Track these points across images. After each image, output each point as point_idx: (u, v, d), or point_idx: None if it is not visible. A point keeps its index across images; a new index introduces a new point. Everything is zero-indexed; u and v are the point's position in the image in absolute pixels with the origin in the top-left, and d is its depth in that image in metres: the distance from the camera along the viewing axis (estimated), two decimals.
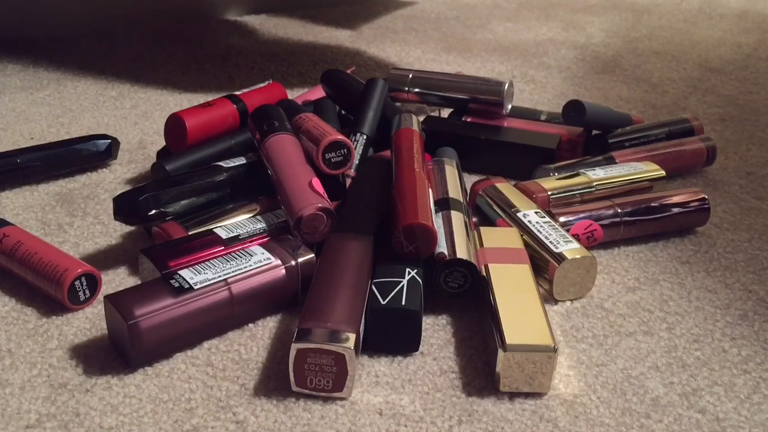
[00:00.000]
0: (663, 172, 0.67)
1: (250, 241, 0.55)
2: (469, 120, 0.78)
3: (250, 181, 0.61)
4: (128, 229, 0.62)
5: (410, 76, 0.80)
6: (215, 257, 0.52)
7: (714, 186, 0.73)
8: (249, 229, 0.56)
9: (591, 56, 1.12)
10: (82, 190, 0.68)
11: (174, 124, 0.68)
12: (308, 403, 0.44)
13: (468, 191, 0.65)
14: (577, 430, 0.43)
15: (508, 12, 1.35)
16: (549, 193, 0.63)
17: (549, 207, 0.62)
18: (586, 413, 0.45)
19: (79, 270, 0.51)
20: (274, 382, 0.46)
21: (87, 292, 0.52)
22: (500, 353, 0.45)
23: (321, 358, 0.43)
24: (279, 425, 0.43)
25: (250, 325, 0.51)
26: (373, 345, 0.49)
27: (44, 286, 0.52)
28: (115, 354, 0.48)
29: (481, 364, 0.48)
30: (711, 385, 0.47)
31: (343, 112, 0.77)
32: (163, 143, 0.71)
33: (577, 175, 0.65)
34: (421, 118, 0.76)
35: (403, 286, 0.49)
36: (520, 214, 0.58)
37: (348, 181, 0.62)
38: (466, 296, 0.52)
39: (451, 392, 0.46)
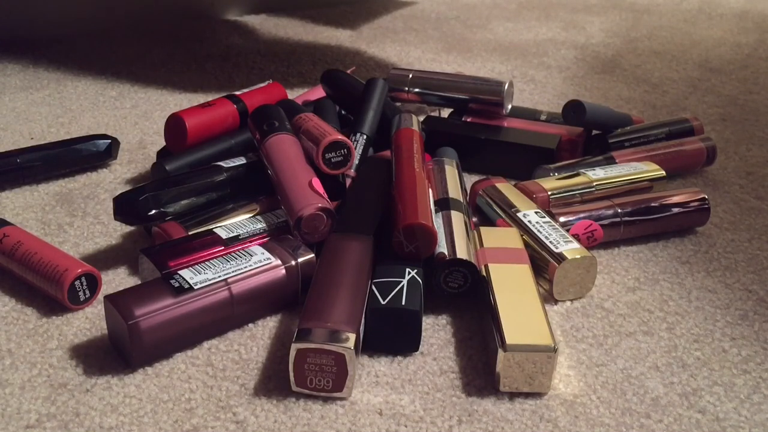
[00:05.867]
0: (663, 172, 0.67)
1: (250, 241, 0.55)
2: (469, 120, 0.78)
3: (250, 181, 0.61)
4: (128, 229, 0.62)
5: (410, 76, 0.80)
6: (215, 257, 0.52)
7: (714, 186, 0.73)
8: (249, 229, 0.56)
9: (591, 56, 1.12)
10: (82, 190, 0.68)
11: (174, 124, 0.68)
12: (308, 403, 0.44)
13: (468, 191, 0.65)
14: (577, 430, 0.43)
15: (508, 12, 1.35)
16: (549, 193, 0.63)
17: (549, 207, 0.62)
18: (586, 413, 0.45)
19: (79, 270, 0.51)
20: (274, 382, 0.46)
21: (87, 292, 0.52)
22: (500, 353, 0.45)
23: (321, 358, 0.43)
24: (279, 425, 0.43)
25: (250, 325, 0.51)
26: (373, 345, 0.49)
27: (44, 286, 0.52)
28: (115, 354, 0.48)
29: (481, 364, 0.48)
30: (711, 385, 0.47)
31: (343, 112, 0.77)
32: (163, 143, 0.71)
33: (577, 175, 0.65)
34: (421, 118, 0.76)
35: (403, 286, 0.49)
36: (520, 214, 0.58)
37: (348, 181, 0.62)
38: (466, 296, 0.52)
39: (451, 392, 0.46)
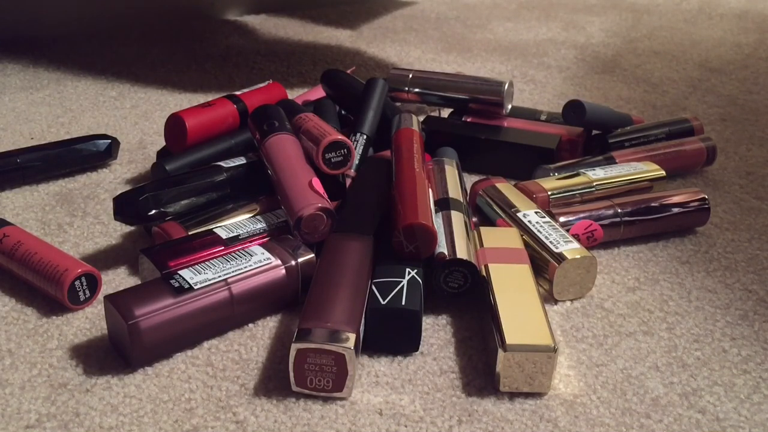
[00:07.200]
0: (663, 172, 0.67)
1: (250, 241, 0.55)
2: (469, 120, 0.78)
3: (250, 181, 0.61)
4: (128, 229, 0.62)
5: (410, 76, 0.80)
6: (215, 257, 0.52)
7: (714, 186, 0.73)
8: (249, 229, 0.56)
9: (591, 56, 1.12)
10: (82, 190, 0.68)
11: (174, 124, 0.68)
12: (308, 403, 0.44)
13: (468, 191, 0.65)
14: (577, 430, 0.43)
15: (508, 12, 1.35)
16: (549, 193, 0.63)
17: (549, 207, 0.62)
18: (586, 413, 0.45)
19: (79, 270, 0.51)
20: (274, 382, 0.46)
21: (87, 292, 0.52)
22: (500, 353, 0.45)
23: (321, 358, 0.43)
24: (279, 425, 0.43)
25: (250, 325, 0.51)
26: (373, 345, 0.49)
27: (44, 286, 0.52)
28: (115, 354, 0.48)
29: (481, 364, 0.48)
30: (711, 385, 0.47)
31: (343, 112, 0.77)
32: (163, 143, 0.71)
33: (577, 175, 0.65)
34: (421, 118, 0.76)
35: (403, 286, 0.49)
36: (520, 214, 0.58)
37: (348, 181, 0.62)
38: (466, 296, 0.52)
39: (451, 392, 0.46)
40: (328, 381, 0.44)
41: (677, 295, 0.56)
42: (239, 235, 0.55)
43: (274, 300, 0.52)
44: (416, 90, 0.80)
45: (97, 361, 0.47)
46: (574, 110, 0.72)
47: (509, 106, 0.78)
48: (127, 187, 0.68)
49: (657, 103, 0.94)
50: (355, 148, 0.64)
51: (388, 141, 0.66)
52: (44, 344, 0.49)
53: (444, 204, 0.57)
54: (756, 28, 1.30)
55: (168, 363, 0.47)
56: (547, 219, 0.58)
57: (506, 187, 0.62)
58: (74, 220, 0.63)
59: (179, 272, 0.49)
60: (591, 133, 0.77)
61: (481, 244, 0.55)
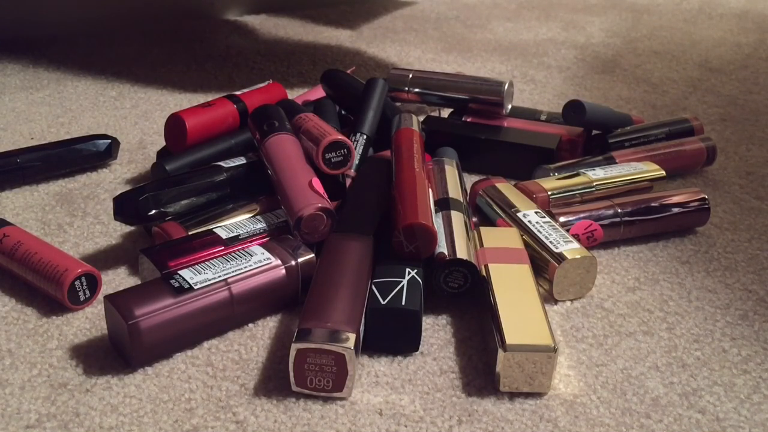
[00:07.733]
0: (663, 172, 0.67)
1: (250, 241, 0.55)
2: (469, 120, 0.78)
3: (250, 181, 0.62)
4: (128, 229, 0.62)
5: (410, 76, 0.80)
6: (215, 257, 0.52)
7: (714, 186, 0.73)
8: (249, 229, 0.56)
9: (591, 56, 1.12)
10: (82, 190, 0.68)
11: (174, 124, 0.68)
12: (308, 403, 0.44)
13: (468, 191, 0.65)
14: (577, 430, 0.43)
15: (508, 12, 1.35)
16: (549, 193, 0.63)
17: (549, 207, 0.62)
18: (586, 413, 0.45)
19: (79, 270, 0.51)
20: (274, 382, 0.46)
21: (87, 292, 0.52)
22: (500, 353, 0.45)
23: (321, 358, 0.43)
24: (279, 425, 0.43)
25: (250, 325, 0.51)
26: (373, 345, 0.49)
27: (44, 286, 0.52)
28: (115, 354, 0.48)
29: (481, 364, 0.48)
30: (711, 385, 0.47)
31: (343, 112, 0.77)
32: (163, 143, 0.71)
33: (577, 175, 0.65)
34: (421, 118, 0.76)
35: (403, 286, 0.49)
36: (520, 214, 0.58)
37: (348, 181, 0.62)
38: (466, 296, 0.52)
39: (451, 392, 0.46)
40: (328, 381, 0.44)
41: (677, 295, 0.56)
42: (239, 235, 0.55)
43: (274, 300, 0.52)
44: (416, 90, 0.80)
45: (97, 361, 0.47)
46: (574, 110, 0.72)
47: (509, 106, 0.78)
48: (127, 187, 0.68)
49: (657, 103, 0.94)
50: (355, 148, 0.64)
51: (388, 141, 0.66)
52: (44, 344, 0.49)
53: (444, 204, 0.57)
54: (756, 28, 1.30)
55: (168, 363, 0.47)
56: (547, 219, 0.58)
57: (506, 187, 0.62)
58: (74, 220, 0.63)
59: (179, 272, 0.49)
60: (591, 133, 0.77)
61: (481, 244, 0.55)
